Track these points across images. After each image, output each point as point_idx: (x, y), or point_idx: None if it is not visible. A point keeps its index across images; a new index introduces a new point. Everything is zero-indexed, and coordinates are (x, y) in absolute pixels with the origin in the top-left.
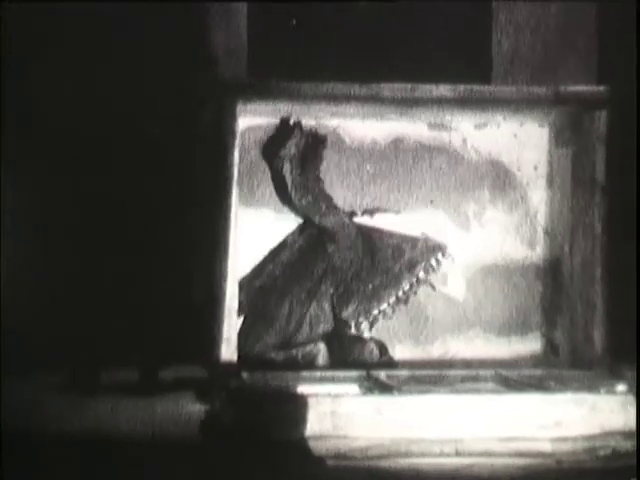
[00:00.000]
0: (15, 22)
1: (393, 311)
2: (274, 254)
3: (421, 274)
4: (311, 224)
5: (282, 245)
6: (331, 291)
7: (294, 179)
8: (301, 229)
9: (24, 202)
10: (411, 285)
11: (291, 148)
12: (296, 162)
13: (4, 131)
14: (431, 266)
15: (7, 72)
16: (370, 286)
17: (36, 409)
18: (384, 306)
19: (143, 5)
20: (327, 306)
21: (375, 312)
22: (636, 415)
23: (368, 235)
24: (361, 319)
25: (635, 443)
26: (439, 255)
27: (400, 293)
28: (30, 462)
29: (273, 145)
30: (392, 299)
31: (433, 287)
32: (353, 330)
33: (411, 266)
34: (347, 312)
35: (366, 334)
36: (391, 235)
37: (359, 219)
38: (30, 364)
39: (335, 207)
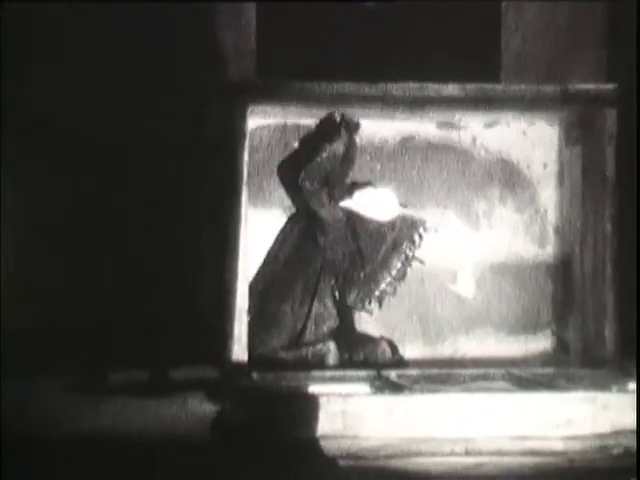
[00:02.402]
0: (15, 22)
1: (394, 289)
2: (272, 253)
3: (408, 251)
4: (302, 216)
5: (278, 243)
6: (332, 282)
7: (310, 164)
8: (292, 223)
9: (24, 202)
10: (402, 263)
11: (340, 146)
12: (337, 158)
13: (4, 131)
14: (414, 242)
15: (7, 72)
16: (362, 274)
17: (41, 411)
18: (382, 287)
19: (149, 5)
20: (329, 302)
21: (377, 293)
22: (636, 415)
23: (352, 223)
24: (366, 302)
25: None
26: (420, 230)
27: (394, 272)
28: (34, 465)
29: (321, 137)
30: (387, 279)
31: (422, 262)
32: (362, 312)
33: (396, 245)
34: (350, 299)
35: (376, 312)
36: (370, 221)
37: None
38: (35, 366)
39: (336, 201)
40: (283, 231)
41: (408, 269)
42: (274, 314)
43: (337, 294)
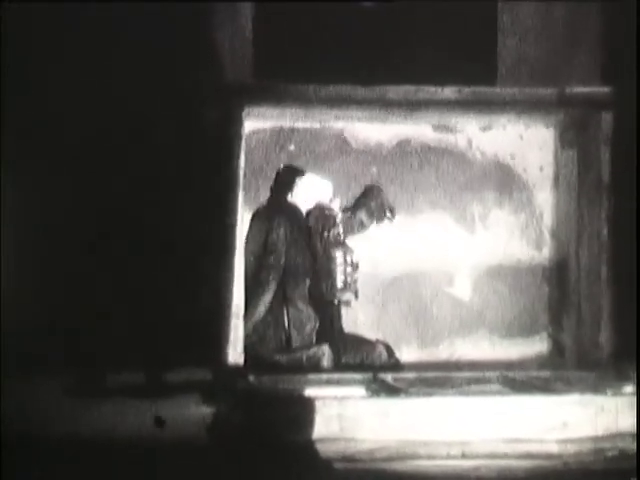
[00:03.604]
0: (15, 22)
1: (353, 278)
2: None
3: (333, 236)
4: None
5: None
6: (299, 285)
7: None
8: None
9: (24, 202)
10: (340, 249)
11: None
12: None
13: (4, 131)
14: (330, 226)
15: (7, 72)
16: (315, 269)
17: (40, 412)
18: (340, 277)
19: (148, 6)
20: (302, 305)
21: (339, 285)
22: (636, 415)
23: (298, 226)
24: (337, 293)
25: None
26: (333, 212)
27: (338, 261)
28: (34, 465)
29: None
30: (339, 269)
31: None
32: (343, 299)
33: (322, 236)
34: (325, 293)
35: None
36: (309, 212)
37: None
38: (35, 366)
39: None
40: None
41: (354, 254)
42: (261, 322)
43: (314, 292)
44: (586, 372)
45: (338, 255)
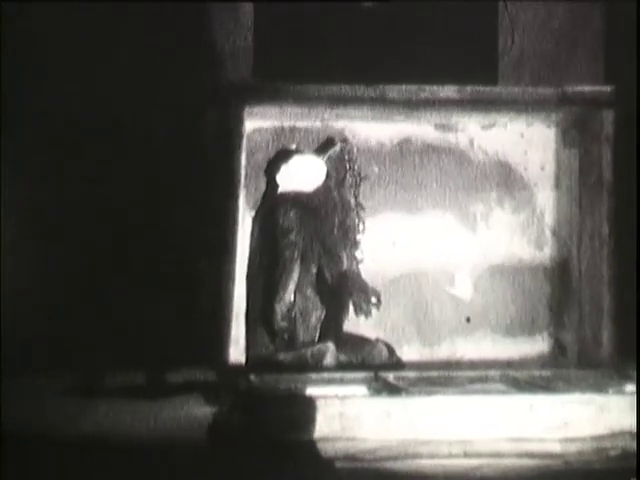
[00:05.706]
0: (15, 22)
1: (362, 219)
2: (251, 255)
3: (351, 178)
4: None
5: (251, 245)
6: (313, 270)
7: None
8: (253, 224)
9: (24, 202)
10: (355, 185)
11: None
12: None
13: (3, 130)
14: (349, 164)
15: (7, 72)
16: (335, 234)
17: (40, 412)
18: (361, 227)
19: (148, 6)
20: (310, 292)
21: (358, 237)
22: (636, 415)
23: (306, 209)
24: (357, 250)
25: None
26: (346, 155)
27: (359, 197)
28: (33, 465)
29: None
30: (359, 216)
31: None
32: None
33: (342, 181)
34: (345, 262)
35: (374, 314)
36: (310, 192)
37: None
38: (35, 366)
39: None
40: (251, 233)
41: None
42: (264, 315)
43: (329, 271)
44: (587, 371)
45: (357, 195)
